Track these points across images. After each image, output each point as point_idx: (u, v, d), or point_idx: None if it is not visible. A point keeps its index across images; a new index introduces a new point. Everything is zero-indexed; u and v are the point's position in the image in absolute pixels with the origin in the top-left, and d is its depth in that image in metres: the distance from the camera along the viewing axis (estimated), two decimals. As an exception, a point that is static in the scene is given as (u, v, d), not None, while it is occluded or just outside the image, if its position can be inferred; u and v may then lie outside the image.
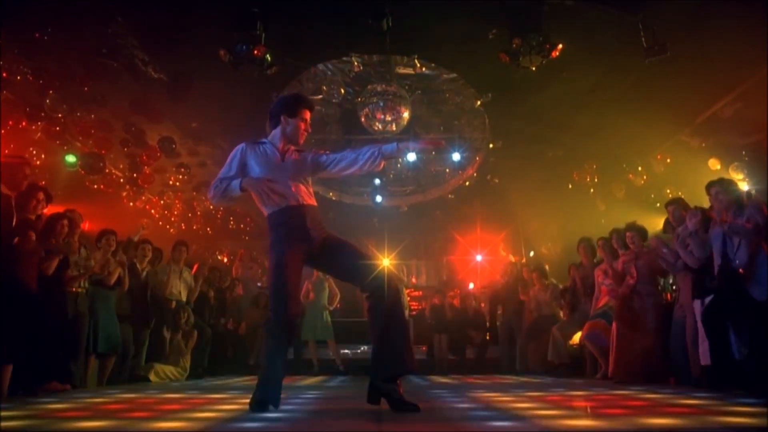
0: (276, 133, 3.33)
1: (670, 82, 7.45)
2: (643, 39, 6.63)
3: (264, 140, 3.33)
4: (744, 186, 7.83)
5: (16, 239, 4.14)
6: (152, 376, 6.36)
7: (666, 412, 2.85)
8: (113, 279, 5.70)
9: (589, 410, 3.04)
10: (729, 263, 4.34)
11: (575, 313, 7.21)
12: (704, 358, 4.45)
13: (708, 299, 4.54)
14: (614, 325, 5.78)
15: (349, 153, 3.29)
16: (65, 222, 4.82)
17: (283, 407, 3.08)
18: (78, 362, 5.23)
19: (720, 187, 4.56)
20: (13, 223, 4.21)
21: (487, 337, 9.61)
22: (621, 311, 5.75)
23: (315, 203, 3.26)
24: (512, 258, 10.70)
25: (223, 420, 2.61)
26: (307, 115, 3.33)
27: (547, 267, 8.93)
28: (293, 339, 3.14)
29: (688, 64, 7.07)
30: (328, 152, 3.41)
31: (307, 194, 3.22)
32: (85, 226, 6.51)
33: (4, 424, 2.48)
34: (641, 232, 5.93)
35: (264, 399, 2.90)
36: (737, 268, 4.30)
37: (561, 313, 7.75)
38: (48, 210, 4.87)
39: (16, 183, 4.30)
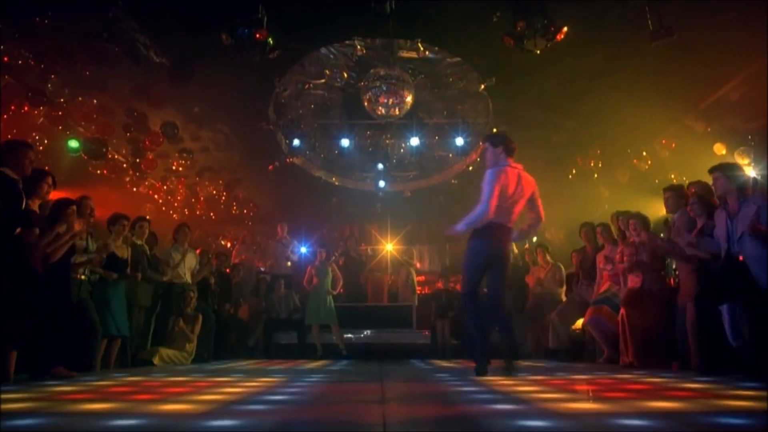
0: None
1: (675, 65, 7.38)
2: (649, 22, 6.55)
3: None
4: (750, 172, 7.75)
5: (18, 229, 4.12)
6: (156, 361, 6.38)
7: (667, 395, 2.86)
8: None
9: (590, 395, 3.05)
10: (731, 250, 4.32)
11: (573, 296, 7.21)
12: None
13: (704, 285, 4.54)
14: (623, 311, 5.73)
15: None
16: (73, 208, 4.79)
17: (286, 390, 3.11)
18: (86, 347, 5.26)
19: (721, 172, 4.49)
20: (22, 207, 4.19)
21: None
22: (629, 298, 5.72)
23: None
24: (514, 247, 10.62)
25: (228, 402, 2.63)
26: None
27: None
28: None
29: (694, 47, 6.99)
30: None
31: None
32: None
33: (9, 406, 2.50)
34: (644, 221, 5.84)
35: (479, 368, 4.13)
36: (737, 255, 4.28)
37: (561, 293, 7.75)
38: (52, 195, 4.84)
39: (22, 167, 4.25)
